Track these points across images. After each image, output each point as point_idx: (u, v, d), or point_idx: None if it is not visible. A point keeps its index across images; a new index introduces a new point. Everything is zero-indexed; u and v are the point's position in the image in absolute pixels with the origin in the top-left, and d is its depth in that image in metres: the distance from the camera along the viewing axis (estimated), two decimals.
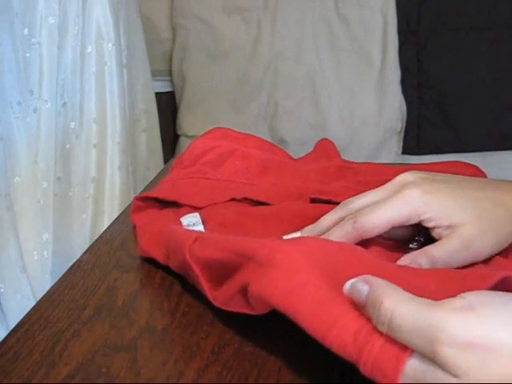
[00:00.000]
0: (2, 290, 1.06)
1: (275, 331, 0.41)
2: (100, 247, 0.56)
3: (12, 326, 0.42)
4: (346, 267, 0.37)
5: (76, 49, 1.15)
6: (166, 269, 0.50)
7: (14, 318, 1.05)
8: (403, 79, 1.61)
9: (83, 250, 0.55)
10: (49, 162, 1.13)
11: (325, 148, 0.80)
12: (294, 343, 0.40)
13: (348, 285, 0.33)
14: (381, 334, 0.30)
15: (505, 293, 0.31)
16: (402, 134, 1.62)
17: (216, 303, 0.42)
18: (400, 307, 0.30)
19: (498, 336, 0.28)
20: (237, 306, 0.41)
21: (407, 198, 0.45)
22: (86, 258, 0.53)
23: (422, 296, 0.31)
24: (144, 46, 1.39)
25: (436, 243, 0.45)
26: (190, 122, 1.66)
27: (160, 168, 1.10)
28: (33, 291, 1.10)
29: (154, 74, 1.50)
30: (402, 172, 0.48)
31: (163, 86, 1.71)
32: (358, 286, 0.32)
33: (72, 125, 1.16)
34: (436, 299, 0.30)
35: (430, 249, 0.45)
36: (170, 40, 1.69)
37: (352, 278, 0.34)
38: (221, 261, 0.42)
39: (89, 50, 1.17)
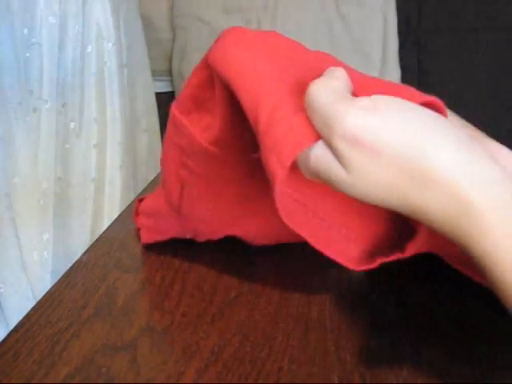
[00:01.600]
0: (2, 290, 1.06)
1: (275, 331, 0.41)
2: (100, 247, 0.56)
3: (12, 326, 0.42)
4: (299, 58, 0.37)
5: (76, 49, 1.15)
6: (166, 269, 0.50)
7: (14, 317, 1.06)
8: (403, 79, 1.61)
9: (83, 250, 0.55)
10: (49, 162, 1.13)
11: None
12: (294, 343, 0.40)
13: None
14: (296, 116, 0.31)
15: (418, 106, 0.30)
16: None
17: (208, 145, 0.43)
18: (320, 93, 0.30)
19: (386, 139, 0.28)
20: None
21: None
22: (85, 258, 0.53)
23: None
24: (144, 45, 1.39)
25: None
26: None
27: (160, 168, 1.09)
28: (33, 291, 1.10)
29: (154, 74, 1.50)
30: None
31: (163, 86, 1.71)
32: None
33: (72, 125, 1.16)
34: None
35: None
36: (170, 40, 1.69)
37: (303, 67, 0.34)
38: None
39: (89, 49, 1.17)
